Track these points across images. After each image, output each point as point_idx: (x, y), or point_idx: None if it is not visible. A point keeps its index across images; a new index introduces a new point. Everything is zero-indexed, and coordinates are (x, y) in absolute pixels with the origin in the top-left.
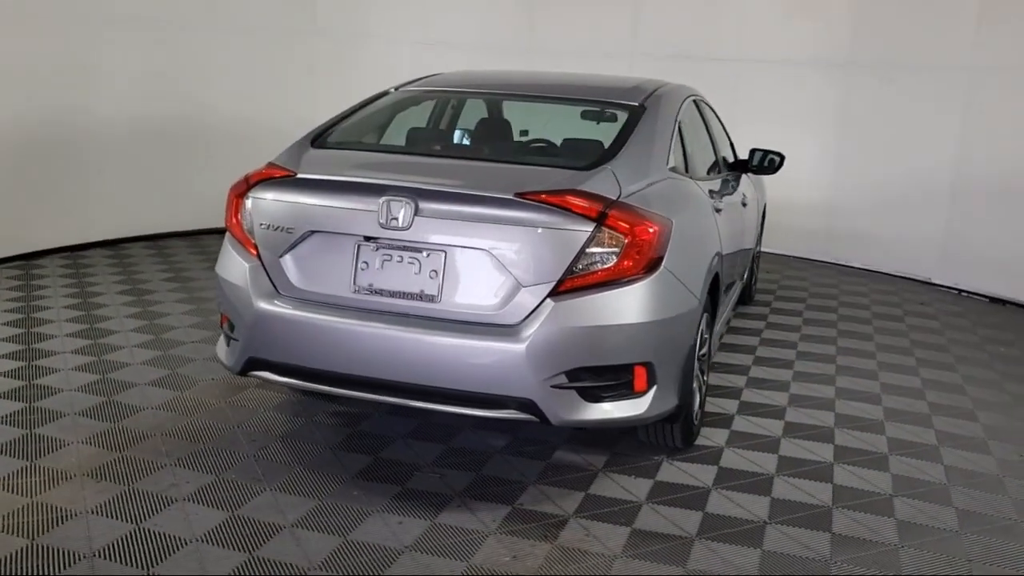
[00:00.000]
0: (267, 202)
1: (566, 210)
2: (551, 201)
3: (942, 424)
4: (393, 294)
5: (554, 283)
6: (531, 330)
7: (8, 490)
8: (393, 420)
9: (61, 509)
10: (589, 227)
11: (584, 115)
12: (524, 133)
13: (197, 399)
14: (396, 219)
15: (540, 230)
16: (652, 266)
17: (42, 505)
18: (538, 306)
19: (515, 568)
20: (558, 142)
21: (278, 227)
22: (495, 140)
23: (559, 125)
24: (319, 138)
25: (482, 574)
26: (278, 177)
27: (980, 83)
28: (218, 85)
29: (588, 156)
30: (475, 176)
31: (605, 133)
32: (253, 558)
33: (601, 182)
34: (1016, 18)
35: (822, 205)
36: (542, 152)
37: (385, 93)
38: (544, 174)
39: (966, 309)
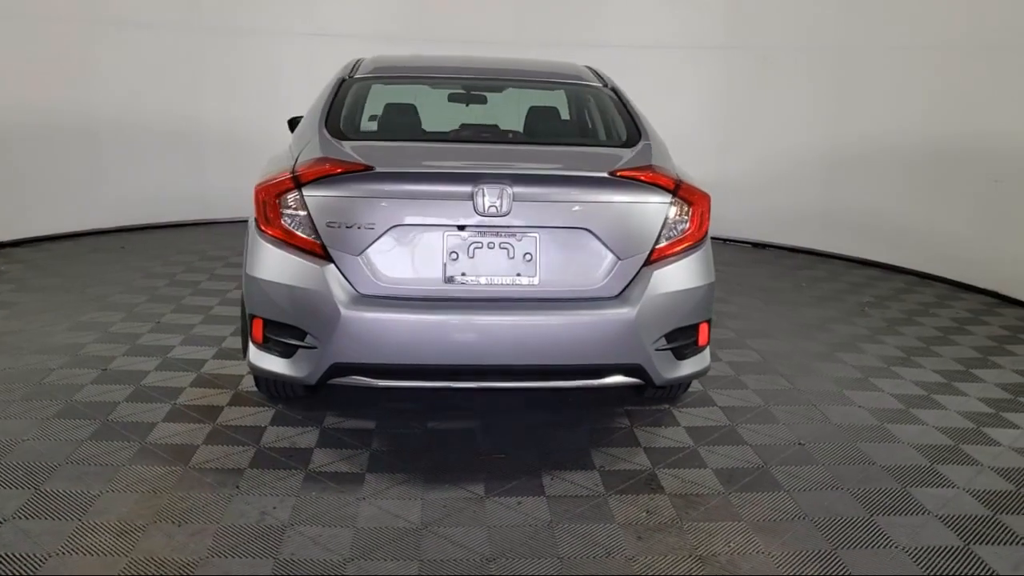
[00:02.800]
0: (336, 199)
1: (653, 185)
2: (640, 177)
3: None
4: (489, 280)
5: (647, 253)
6: (637, 299)
7: None
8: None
9: None
10: (668, 199)
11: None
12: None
13: None
14: (495, 206)
15: (633, 204)
16: (706, 232)
17: None
18: (635, 276)
19: (656, 520)
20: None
21: (354, 224)
22: (528, 123)
23: (518, 107)
24: (333, 130)
25: (636, 534)
26: (349, 172)
27: (849, 62)
28: (99, 82)
29: (618, 133)
30: (549, 158)
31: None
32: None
33: (655, 157)
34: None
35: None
36: (571, 132)
37: (343, 82)
38: (598, 152)
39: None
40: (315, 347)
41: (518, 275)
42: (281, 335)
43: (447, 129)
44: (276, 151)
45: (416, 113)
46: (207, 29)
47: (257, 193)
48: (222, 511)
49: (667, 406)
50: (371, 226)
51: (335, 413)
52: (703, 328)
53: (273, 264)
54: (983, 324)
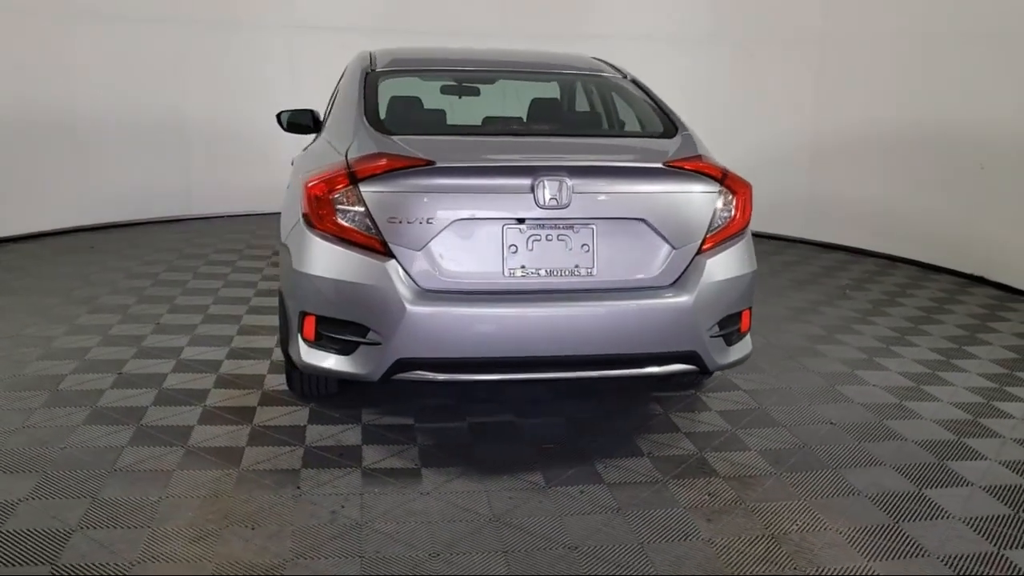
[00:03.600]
0: (396, 195)
1: (703, 174)
2: (692, 167)
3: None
4: (548, 272)
5: (699, 242)
6: (693, 287)
7: None
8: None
9: None
10: (716, 188)
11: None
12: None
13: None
14: (555, 198)
15: (686, 195)
16: (749, 220)
17: None
18: (688, 265)
19: (720, 502)
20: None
21: (415, 219)
22: (555, 115)
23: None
24: (376, 124)
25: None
26: (410, 167)
27: (831, 52)
28: (79, 77)
29: (652, 124)
30: (602, 150)
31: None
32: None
33: (700, 147)
34: None
35: None
36: (604, 124)
37: (367, 75)
38: (646, 144)
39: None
40: (378, 343)
41: (576, 266)
42: (340, 332)
43: (474, 122)
44: (310, 147)
45: (450, 107)
46: (188, 21)
47: (309, 190)
48: (291, 512)
49: (694, 391)
50: (432, 221)
51: (370, 410)
52: (746, 315)
53: (329, 261)
54: (960, 303)
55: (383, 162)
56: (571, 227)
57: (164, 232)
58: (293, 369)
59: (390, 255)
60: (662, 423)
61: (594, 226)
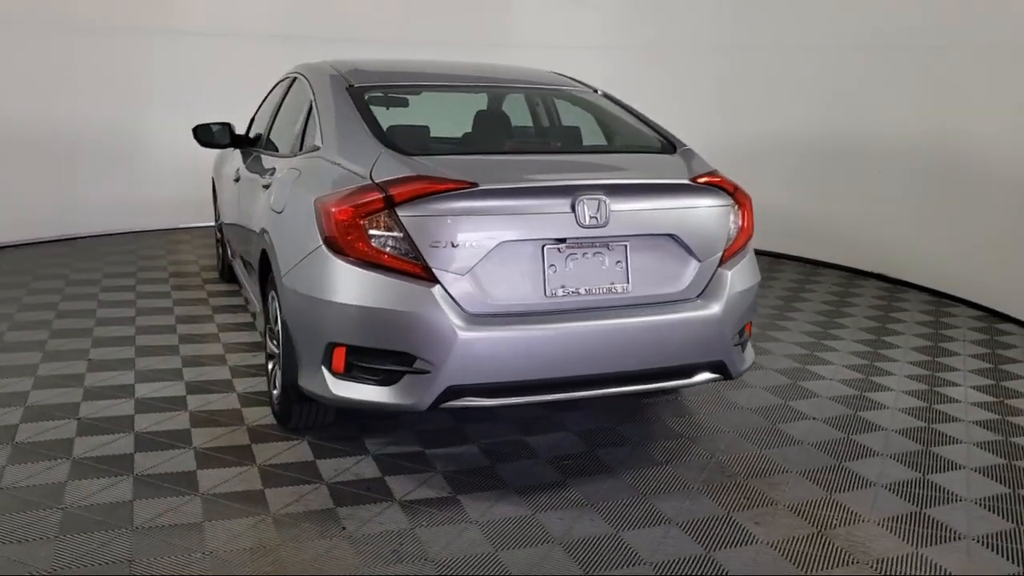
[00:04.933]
0: (437, 218)
1: (721, 189)
2: (713, 182)
3: None
4: (586, 291)
5: (720, 254)
6: (720, 298)
7: None
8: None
9: None
10: (730, 201)
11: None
12: None
13: None
14: (596, 217)
15: (707, 209)
16: (752, 232)
17: None
18: (712, 277)
19: (754, 505)
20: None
21: (460, 243)
22: (553, 132)
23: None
24: (390, 144)
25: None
26: (452, 190)
27: (735, 61)
28: None
29: (643, 139)
30: (628, 167)
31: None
32: None
33: (706, 162)
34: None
35: None
36: (602, 140)
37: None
38: (656, 159)
39: None
40: (427, 371)
41: (612, 283)
42: (381, 362)
43: (486, 139)
44: (319, 170)
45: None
46: (77, 28)
47: (336, 215)
48: (352, 556)
49: (675, 394)
50: (477, 244)
51: (371, 440)
52: (749, 323)
53: (365, 288)
54: (859, 296)
55: (424, 185)
56: (606, 245)
57: (35, 256)
58: (298, 401)
59: (434, 280)
60: (664, 430)
61: (627, 243)
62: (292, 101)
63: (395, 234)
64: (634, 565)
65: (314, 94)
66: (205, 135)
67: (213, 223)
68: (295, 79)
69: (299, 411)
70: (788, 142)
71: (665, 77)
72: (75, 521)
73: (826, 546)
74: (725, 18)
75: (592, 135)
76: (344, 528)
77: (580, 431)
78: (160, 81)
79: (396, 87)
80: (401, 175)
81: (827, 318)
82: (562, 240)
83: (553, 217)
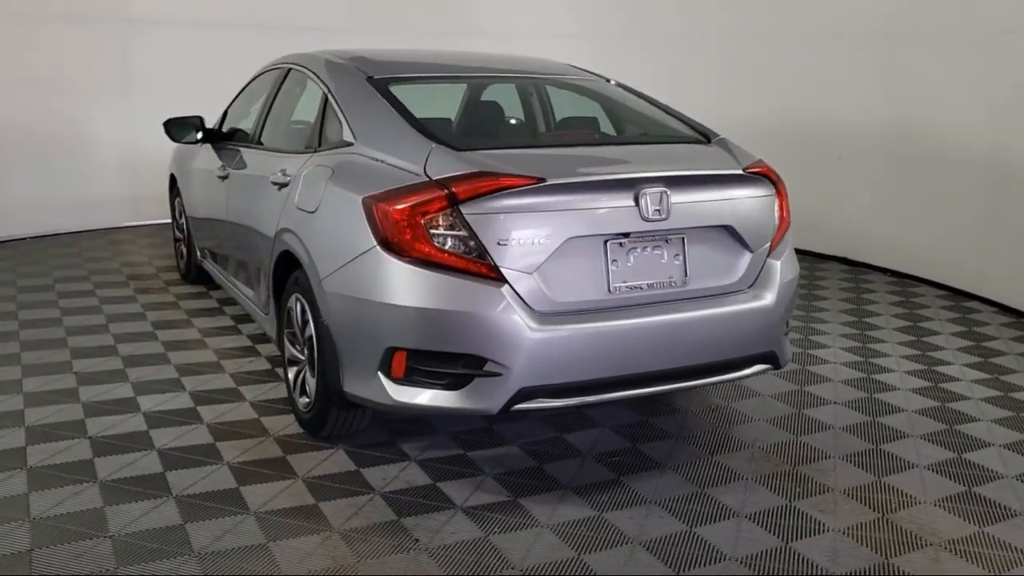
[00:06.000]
0: (503, 216)
1: (767, 178)
2: (762, 172)
3: None
4: (648, 286)
5: (769, 244)
6: (772, 288)
7: None
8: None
9: None
10: (773, 191)
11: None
12: None
13: None
14: (659, 210)
15: (757, 199)
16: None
17: None
18: (762, 268)
19: (813, 493)
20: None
21: (528, 240)
22: (588, 124)
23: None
24: (442, 141)
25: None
26: (519, 187)
27: (688, 51)
28: None
29: (675, 130)
30: (684, 158)
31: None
32: None
33: (746, 152)
34: None
35: None
36: (641, 130)
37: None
38: (696, 149)
39: None
40: (498, 374)
41: (671, 277)
42: (449, 365)
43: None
44: (359, 168)
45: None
46: (10, 16)
47: (393, 214)
48: (437, 569)
49: None
50: (545, 241)
51: (407, 444)
52: None
53: (429, 290)
54: (827, 278)
55: (490, 182)
56: (665, 238)
57: None
58: (341, 408)
59: (502, 279)
60: (696, 421)
61: (684, 235)
62: (289, 94)
63: (459, 233)
64: (721, 562)
65: (328, 87)
66: (180, 131)
67: (171, 221)
68: (289, 70)
69: (336, 419)
70: (751, 130)
71: (630, 66)
72: (128, 550)
73: (895, 530)
74: (679, 6)
75: (620, 126)
76: (418, 541)
77: (616, 426)
78: (95, 72)
79: (416, 79)
80: (462, 172)
81: (805, 300)
82: (626, 235)
83: (617, 211)
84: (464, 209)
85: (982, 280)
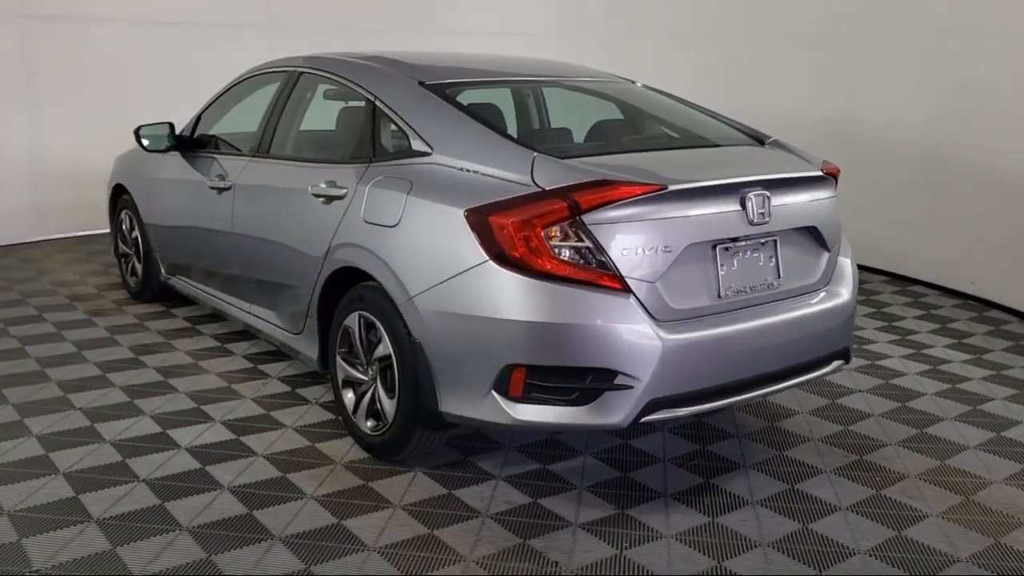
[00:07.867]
0: (625, 224)
1: (833, 178)
2: (830, 171)
3: None
4: (750, 288)
5: (838, 243)
6: (848, 285)
7: None
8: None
9: None
10: (835, 191)
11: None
12: None
13: None
14: (763, 213)
15: (830, 199)
16: None
17: None
18: (836, 266)
19: (892, 481)
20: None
21: (651, 248)
22: (654, 125)
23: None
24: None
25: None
26: (643, 195)
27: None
28: None
29: (729, 132)
30: (770, 161)
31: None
32: None
33: (808, 152)
34: None
35: None
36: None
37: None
38: (764, 152)
39: None
40: (629, 386)
41: (767, 279)
42: (575, 380)
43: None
44: (449, 179)
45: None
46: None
47: (506, 227)
48: None
49: None
50: (667, 249)
51: (482, 462)
52: None
53: (554, 303)
54: None
55: (615, 190)
56: (762, 241)
57: None
58: (429, 429)
59: (628, 290)
60: (744, 417)
61: (777, 238)
62: (303, 101)
63: (582, 244)
64: (854, 556)
65: (373, 93)
66: (154, 140)
67: (112, 235)
68: (299, 75)
69: (418, 441)
70: None
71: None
72: None
73: (986, 511)
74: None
75: (680, 131)
76: (557, 563)
77: (672, 428)
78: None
79: (470, 84)
80: (579, 180)
81: None
82: (735, 239)
83: (726, 216)
84: (587, 219)
85: (926, 266)
